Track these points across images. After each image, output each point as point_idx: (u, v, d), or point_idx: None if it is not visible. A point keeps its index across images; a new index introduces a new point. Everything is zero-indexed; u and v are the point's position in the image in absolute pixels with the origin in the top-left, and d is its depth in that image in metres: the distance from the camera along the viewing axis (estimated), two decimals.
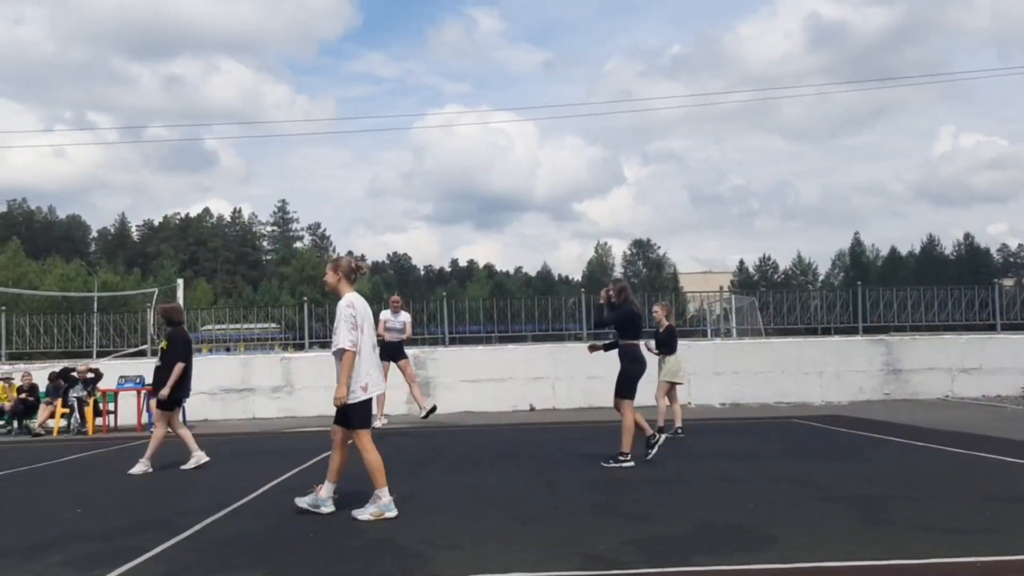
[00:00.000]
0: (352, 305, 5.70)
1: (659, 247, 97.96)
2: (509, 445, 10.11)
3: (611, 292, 8.32)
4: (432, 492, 6.69)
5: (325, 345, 18.25)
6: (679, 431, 10.24)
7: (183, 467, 8.56)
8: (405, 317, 12.80)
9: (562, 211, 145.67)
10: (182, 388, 8.69)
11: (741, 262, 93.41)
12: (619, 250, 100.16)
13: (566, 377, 15.77)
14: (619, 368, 8.08)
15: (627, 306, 8.17)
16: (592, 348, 8.86)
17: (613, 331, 8.48)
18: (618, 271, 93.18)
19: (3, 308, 18.31)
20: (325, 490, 5.88)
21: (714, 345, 16.77)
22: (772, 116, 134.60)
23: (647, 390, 9.13)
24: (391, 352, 12.14)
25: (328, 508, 5.80)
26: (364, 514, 5.58)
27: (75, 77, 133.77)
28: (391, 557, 4.49)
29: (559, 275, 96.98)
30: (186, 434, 8.87)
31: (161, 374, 8.60)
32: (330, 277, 5.94)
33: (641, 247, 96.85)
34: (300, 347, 17.65)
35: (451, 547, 4.67)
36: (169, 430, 8.68)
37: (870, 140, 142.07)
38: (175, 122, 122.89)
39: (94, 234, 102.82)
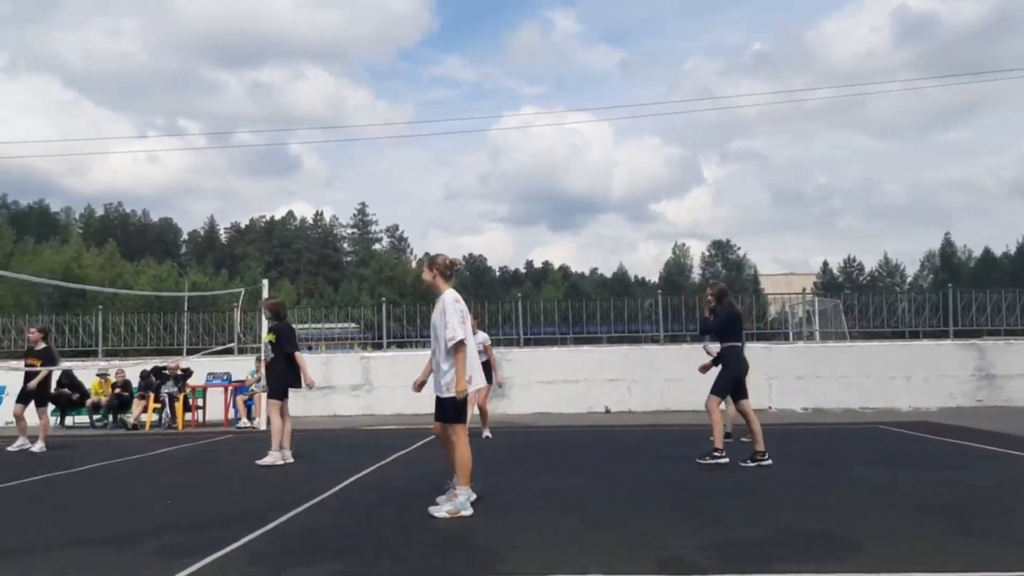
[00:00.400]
0: (459, 300, 5.83)
1: (739, 248, 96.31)
2: (585, 447, 10.08)
3: (711, 296, 8.33)
4: (508, 492, 6.72)
5: (403, 345, 18.55)
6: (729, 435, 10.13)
7: (257, 462, 8.73)
8: (483, 337, 11.18)
9: (639, 212, 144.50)
10: (293, 378, 8.93)
11: (825, 263, 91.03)
12: (697, 251, 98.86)
13: (642, 379, 15.63)
14: (720, 369, 8.18)
15: (728, 308, 8.27)
16: (704, 369, 8.85)
17: (711, 336, 8.51)
18: (696, 273, 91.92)
19: (100, 307, 19.18)
20: (461, 492, 5.81)
21: (796, 348, 16.38)
22: (858, 113, 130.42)
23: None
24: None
25: (468, 511, 5.66)
26: (440, 511, 5.62)
27: (167, 86, 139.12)
28: (466, 555, 4.53)
29: (635, 276, 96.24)
30: (279, 428, 8.98)
31: (273, 365, 8.95)
32: (426, 275, 6.06)
33: (720, 248, 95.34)
34: (378, 347, 17.96)
35: (527, 547, 4.68)
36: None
37: (963, 136, 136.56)
38: (261, 128, 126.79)
39: (185, 236, 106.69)
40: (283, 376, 8.89)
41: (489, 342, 11.30)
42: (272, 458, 8.68)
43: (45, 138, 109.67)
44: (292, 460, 8.76)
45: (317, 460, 9.23)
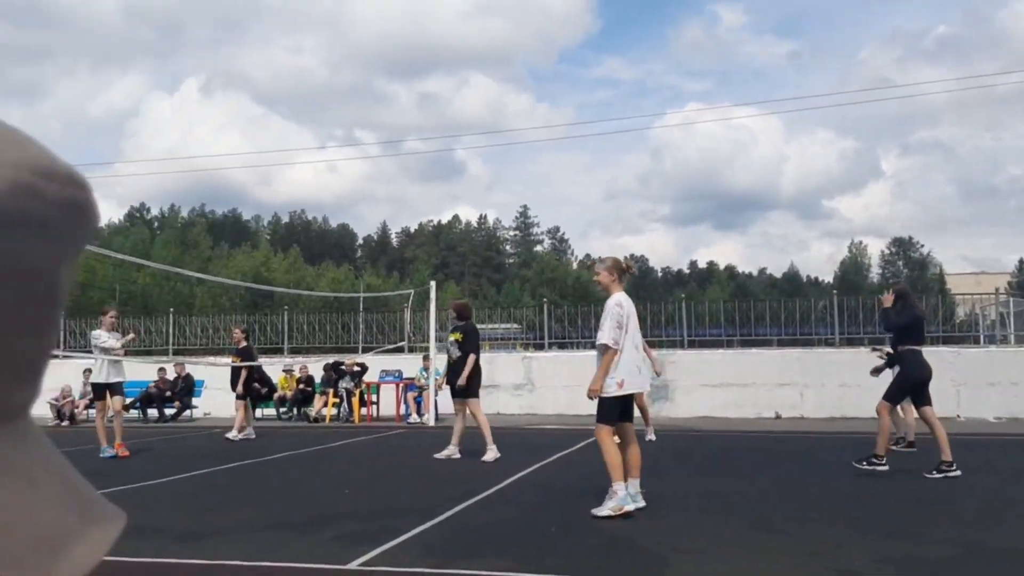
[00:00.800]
0: (620, 304, 5.88)
1: (922, 245, 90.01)
2: (754, 452, 9.77)
3: (891, 296, 7.96)
4: (674, 495, 6.62)
5: (564, 345, 18.67)
6: (900, 441, 9.44)
7: (436, 455, 9.10)
8: None
9: (811, 208, 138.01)
10: (478, 377, 9.28)
11: (1021, 261, 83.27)
12: (876, 249, 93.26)
13: (815, 384, 14.93)
14: (897, 372, 7.84)
15: (912, 310, 7.89)
16: (876, 372, 8.49)
17: (891, 338, 8.08)
18: (875, 272, 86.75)
19: (286, 307, 20.55)
20: (632, 486, 5.88)
21: (988, 353, 15.12)
22: None
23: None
24: None
25: (630, 506, 5.71)
26: (603, 511, 5.62)
27: (344, 98, 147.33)
28: (630, 557, 4.52)
29: (807, 276, 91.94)
30: (460, 427, 9.21)
31: (457, 365, 9.26)
32: (604, 277, 6.11)
33: (902, 246, 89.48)
34: (540, 347, 18.16)
35: (693, 552, 4.61)
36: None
37: None
38: (428, 135, 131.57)
39: (360, 241, 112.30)
40: (477, 375, 9.23)
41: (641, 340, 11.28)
42: (492, 453, 8.88)
43: (238, 151, 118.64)
44: (459, 456, 9.02)
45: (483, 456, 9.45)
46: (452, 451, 9.14)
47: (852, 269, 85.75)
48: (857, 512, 5.83)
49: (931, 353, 14.50)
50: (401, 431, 13.26)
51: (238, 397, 12.12)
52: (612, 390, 5.77)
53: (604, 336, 5.80)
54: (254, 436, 12.02)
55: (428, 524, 5.41)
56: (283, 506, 6.30)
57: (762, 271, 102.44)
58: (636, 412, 9.89)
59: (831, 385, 14.62)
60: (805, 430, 12.77)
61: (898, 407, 9.20)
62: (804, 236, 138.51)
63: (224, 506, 6.38)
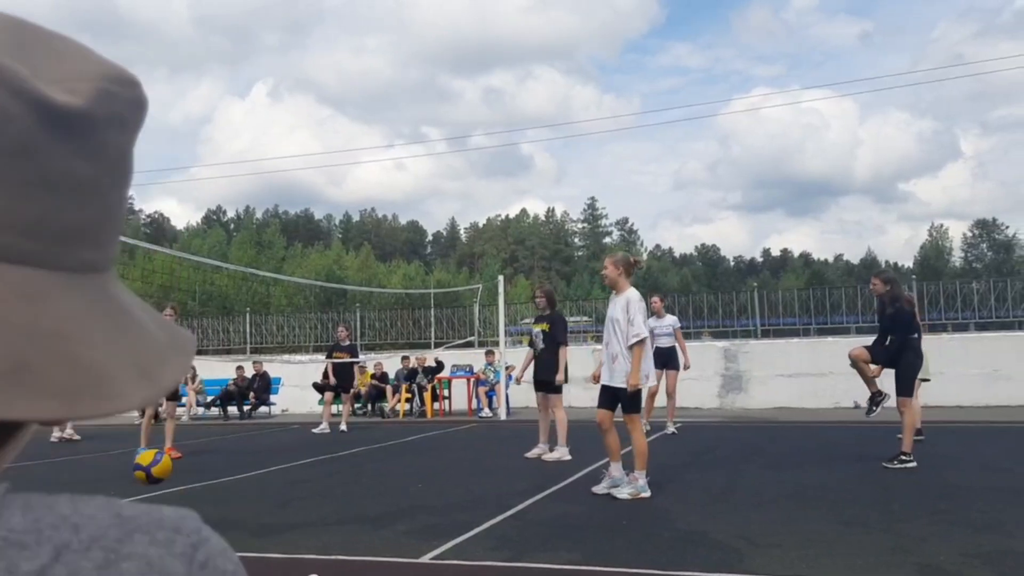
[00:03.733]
0: (641, 299, 6.19)
1: (1007, 227, 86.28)
2: (832, 444, 9.51)
3: (878, 286, 7.64)
4: (749, 488, 6.49)
5: None
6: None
7: (527, 455, 8.69)
8: (671, 320, 10.80)
9: (887, 192, 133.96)
10: (564, 372, 8.71)
11: None
12: (957, 232, 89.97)
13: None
14: (901, 364, 7.46)
15: (904, 299, 7.65)
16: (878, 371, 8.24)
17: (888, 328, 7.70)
18: (957, 256, 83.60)
19: (358, 305, 20.90)
20: (615, 470, 6.20)
21: None
22: None
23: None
24: (664, 359, 10.29)
25: (646, 492, 6.01)
26: (623, 493, 5.90)
27: (410, 96, 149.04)
28: (705, 550, 4.45)
29: (886, 261, 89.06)
30: (547, 424, 8.81)
31: (545, 356, 8.68)
32: (611, 271, 6.33)
33: (985, 228, 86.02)
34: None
35: (769, 546, 4.51)
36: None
37: None
38: (494, 130, 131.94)
39: (429, 237, 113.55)
40: (553, 367, 8.61)
41: (679, 325, 10.85)
42: (560, 453, 8.44)
43: (308, 152, 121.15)
44: (569, 456, 8.41)
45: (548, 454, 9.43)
46: (543, 449, 8.67)
47: (933, 253, 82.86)
48: (942, 504, 5.61)
49: (1018, 338, 13.97)
50: (473, 425, 13.35)
51: (346, 391, 12.94)
52: (643, 382, 6.12)
53: (642, 329, 6.05)
54: (328, 431, 12.28)
55: (499, 518, 5.43)
56: (357, 500, 6.40)
57: (838, 257, 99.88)
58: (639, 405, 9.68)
59: None
60: (884, 420, 12.36)
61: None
62: (880, 221, 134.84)
63: (299, 501, 6.52)
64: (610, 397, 6.27)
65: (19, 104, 0.36)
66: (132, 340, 0.40)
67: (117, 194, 0.42)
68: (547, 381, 8.75)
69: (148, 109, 0.43)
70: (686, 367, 10.61)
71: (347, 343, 13.01)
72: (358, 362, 13.44)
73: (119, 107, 0.40)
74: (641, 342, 6.03)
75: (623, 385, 6.07)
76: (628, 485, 5.97)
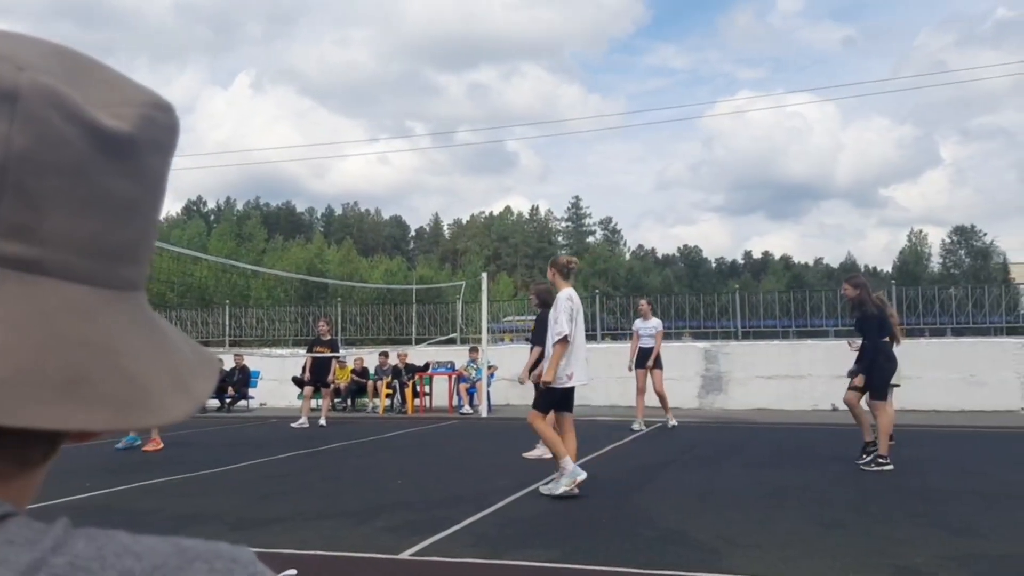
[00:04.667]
0: (571, 298, 6.24)
1: (984, 234, 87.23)
2: (811, 445, 9.58)
3: (850, 291, 7.73)
4: (728, 488, 6.53)
5: (617, 336, 18.55)
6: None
7: (526, 455, 8.40)
8: (656, 323, 11.39)
9: (867, 197, 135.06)
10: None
11: None
12: (936, 238, 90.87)
13: None
14: (872, 368, 7.60)
15: (874, 303, 7.67)
16: (852, 345, 8.46)
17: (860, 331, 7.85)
18: (936, 262, 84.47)
19: (339, 299, 20.82)
20: (567, 464, 6.18)
21: None
22: None
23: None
24: (642, 359, 11.13)
25: (582, 475, 6.00)
26: (559, 488, 5.89)
27: (394, 90, 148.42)
28: (684, 549, 4.47)
29: (865, 266, 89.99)
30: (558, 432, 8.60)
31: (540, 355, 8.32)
32: (549, 274, 6.61)
33: (964, 234, 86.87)
34: (592, 338, 18.05)
35: (748, 546, 4.53)
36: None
37: None
38: (479, 127, 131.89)
39: (412, 232, 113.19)
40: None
41: (661, 328, 11.46)
42: (541, 451, 8.14)
43: (291, 144, 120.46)
44: (550, 456, 7.94)
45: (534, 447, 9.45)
46: (543, 449, 8.18)
47: (912, 259, 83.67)
48: (919, 507, 5.67)
49: (994, 344, 14.13)
50: (454, 422, 13.33)
51: (325, 386, 12.92)
52: (563, 381, 6.13)
53: (564, 327, 6.12)
54: (307, 425, 12.23)
55: (480, 515, 5.42)
56: (337, 496, 6.38)
57: (818, 261, 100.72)
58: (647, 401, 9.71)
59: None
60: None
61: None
62: (860, 225, 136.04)
63: (279, 495, 6.48)
64: (540, 396, 6.39)
65: (74, 128, 0.38)
66: (168, 355, 0.42)
67: (155, 215, 0.44)
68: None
69: (179, 133, 0.45)
70: (648, 367, 11.07)
71: (327, 337, 12.93)
72: (338, 357, 13.37)
73: (158, 132, 0.42)
74: (561, 341, 6.13)
75: (559, 385, 6.19)
76: (563, 476, 5.97)
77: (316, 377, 12.76)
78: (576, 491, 5.96)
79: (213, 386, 0.45)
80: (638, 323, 11.43)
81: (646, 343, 11.08)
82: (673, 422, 11.10)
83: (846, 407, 8.00)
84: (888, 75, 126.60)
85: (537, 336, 8.52)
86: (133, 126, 0.40)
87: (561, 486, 5.92)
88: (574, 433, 6.42)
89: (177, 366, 0.42)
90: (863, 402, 7.75)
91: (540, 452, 8.37)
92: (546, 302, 8.65)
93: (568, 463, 5.99)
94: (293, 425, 12.27)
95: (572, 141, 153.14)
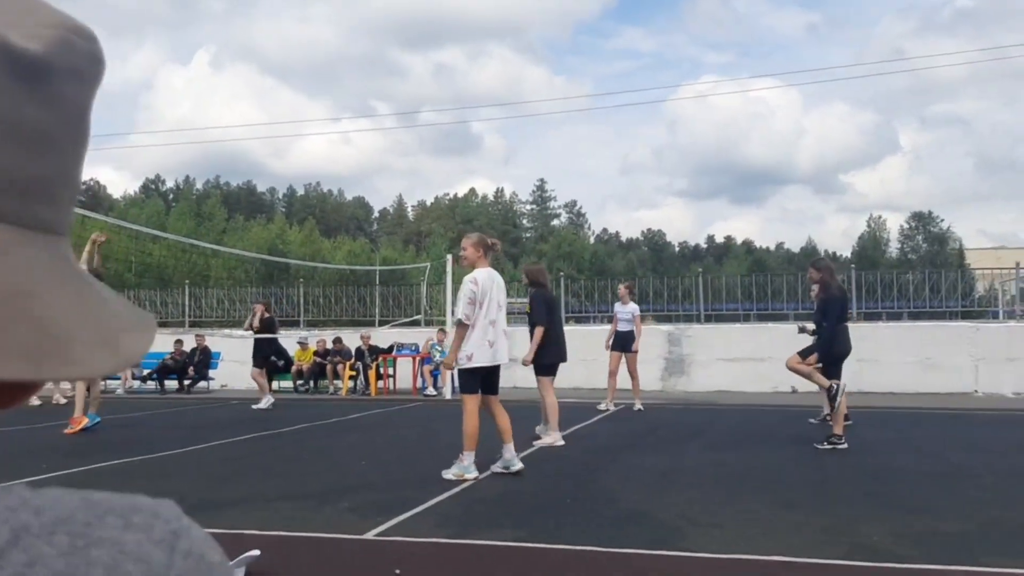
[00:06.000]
0: (475, 281, 6.21)
1: (942, 220, 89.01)
2: (771, 427, 9.73)
3: (815, 276, 7.87)
4: (690, 469, 6.61)
5: (581, 319, 18.65)
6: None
7: (536, 442, 8.12)
8: (633, 307, 11.24)
9: (827, 183, 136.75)
10: (551, 352, 8.27)
11: None
12: (894, 224, 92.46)
13: None
14: (831, 351, 7.84)
15: (839, 286, 7.98)
16: (802, 330, 8.81)
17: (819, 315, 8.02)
18: (894, 247, 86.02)
19: (301, 280, 20.62)
20: (507, 451, 6.30)
21: (1008, 328, 14.94)
22: None
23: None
24: (623, 343, 11.09)
25: (472, 474, 6.02)
26: (448, 473, 5.98)
27: (357, 69, 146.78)
28: (647, 529, 4.51)
29: (825, 250, 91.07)
30: (551, 405, 8.29)
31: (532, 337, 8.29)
32: (469, 252, 6.45)
33: (921, 220, 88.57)
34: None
35: (710, 525, 4.59)
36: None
37: None
38: (444, 107, 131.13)
39: (376, 214, 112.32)
40: (542, 350, 8.19)
41: (639, 312, 11.44)
42: (552, 438, 8.05)
43: (252, 122, 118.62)
44: (563, 442, 8.06)
45: (489, 430, 9.47)
46: (556, 437, 8.12)
47: (871, 244, 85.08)
48: (875, 487, 5.79)
49: (949, 328, 14.47)
50: (418, 404, 13.31)
51: (256, 366, 12.63)
52: (463, 363, 6.17)
53: (458, 312, 6.20)
54: (267, 406, 12.14)
55: (445, 495, 5.43)
56: (300, 477, 6.34)
57: (779, 245, 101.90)
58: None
59: (848, 360, 14.52)
60: (821, 404, 12.70)
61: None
62: (820, 210, 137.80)
63: (241, 476, 6.42)
64: (464, 378, 6.40)
65: None
66: (93, 307, 0.38)
67: (74, 153, 0.40)
68: (535, 362, 8.34)
69: (105, 67, 0.42)
70: (634, 351, 11.14)
71: (264, 316, 12.90)
72: (275, 337, 13.03)
73: (77, 59, 0.39)
74: (460, 323, 6.17)
75: (460, 367, 6.25)
76: (455, 465, 6.01)
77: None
78: (469, 479, 5.95)
79: (146, 346, 0.41)
80: (617, 307, 11.47)
81: (623, 327, 11.15)
82: (639, 406, 11.21)
83: (790, 370, 8.12)
84: (850, 62, 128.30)
85: (532, 316, 8.43)
86: (47, 49, 0.37)
87: (451, 472, 5.98)
88: (504, 413, 6.36)
89: (104, 319, 0.38)
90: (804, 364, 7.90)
91: (552, 439, 8.09)
92: (537, 281, 8.69)
93: (468, 457, 6.02)
94: (255, 407, 12.13)
95: (537, 123, 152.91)
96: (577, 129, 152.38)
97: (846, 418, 8.23)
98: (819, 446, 7.53)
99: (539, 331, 8.18)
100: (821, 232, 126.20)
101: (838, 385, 7.66)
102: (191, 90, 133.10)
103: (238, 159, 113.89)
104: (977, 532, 4.41)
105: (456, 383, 12.99)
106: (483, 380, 6.29)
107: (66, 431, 8.85)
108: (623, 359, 11.17)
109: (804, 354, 8.04)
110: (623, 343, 11.11)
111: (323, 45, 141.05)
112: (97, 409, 9.22)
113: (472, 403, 6.21)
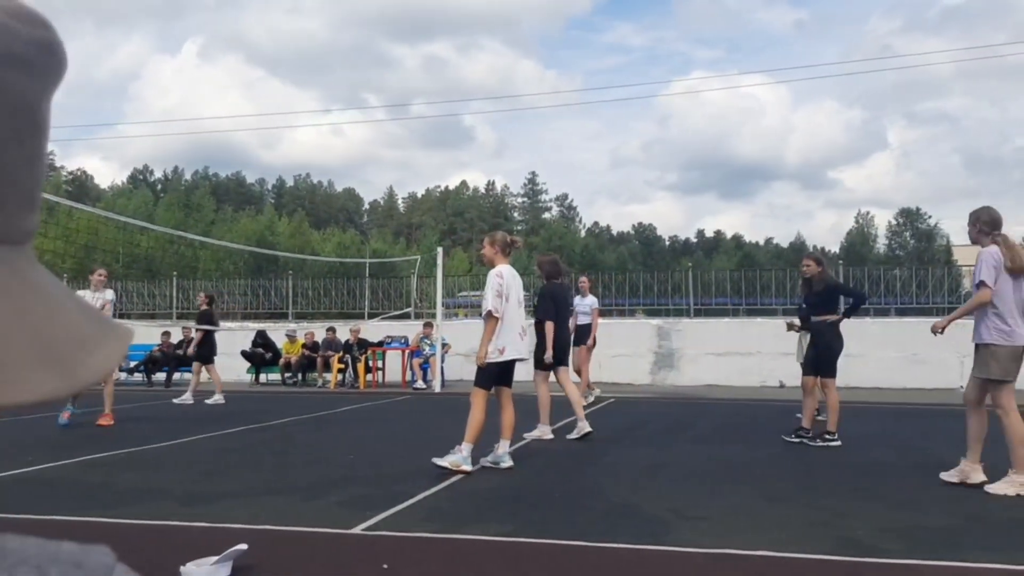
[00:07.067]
0: (500, 275, 6.23)
1: (929, 216, 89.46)
2: (759, 421, 9.78)
3: (809, 267, 7.89)
4: (679, 463, 6.63)
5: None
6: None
7: (525, 435, 8.04)
8: (591, 300, 11.02)
9: (815, 179, 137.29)
10: (555, 349, 8.13)
11: None
12: (882, 220, 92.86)
13: None
14: (820, 345, 7.78)
15: (830, 279, 7.95)
16: (790, 327, 8.80)
17: (805, 308, 8.08)
18: (882, 243, 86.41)
19: (290, 272, 20.55)
20: (501, 447, 6.32)
21: None
22: None
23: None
24: (579, 336, 10.55)
25: (467, 467, 5.97)
26: (444, 461, 5.95)
27: (347, 61, 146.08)
28: (635, 522, 4.53)
29: (814, 246, 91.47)
30: (544, 401, 8.25)
31: (537, 331, 8.16)
32: (487, 250, 6.49)
33: (909, 216, 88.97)
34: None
35: (697, 518, 4.61)
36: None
37: None
38: (435, 100, 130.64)
39: (366, 206, 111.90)
40: (540, 342, 8.08)
41: (597, 306, 11.21)
42: (541, 431, 8.06)
43: (241, 113, 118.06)
44: (551, 436, 8.10)
45: (489, 423, 9.47)
46: (545, 430, 8.17)
47: (859, 239, 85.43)
48: (861, 481, 5.83)
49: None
50: (407, 397, 13.31)
51: (206, 362, 12.32)
52: (495, 356, 6.16)
53: (487, 305, 6.16)
54: (192, 402, 12.00)
55: (433, 490, 5.43)
56: (288, 470, 6.33)
57: (768, 240, 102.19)
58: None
59: None
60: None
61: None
62: (807, 206, 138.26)
63: (229, 470, 6.41)
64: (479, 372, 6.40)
65: None
66: (36, 321, 0.34)
67: (18, 150, 0.35)
68: (536, 357, 8.14)
69: (64, 59, 0.38)
70: (590, 346, 10.84)
71: (203, 308, 12.55)
72: (208, 329, 12.46)
73: (20, 46, 0.35)
74: (488, 316, 6.14)
75: (490, 360, 6.23)
76: (452, 453, 5.99)
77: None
78: (463, 471, 5.90)
79: (110, 365, 0.37)
80: (576, 299, 11.02)
81: (582, 320, 10.75)
82: (590, 398, 11.03)
83: (801, 388, 8.07)
84: (838, 59, 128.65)
85: (541, 310, 8.25)
86: None
87: (446, 460, 5.96)
88: (512, 408, 6.41)
89: (49, 334, 0.34)
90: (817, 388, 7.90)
91: (541, 433, 8.11)
92: (551, 274, 8.41)
93: (467, 449, 5.99)
94: (208, 401, 11.90)
95: (529, 117, 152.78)
96: (568, 123, 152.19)
97: (817, 412, 8.26)
98: (809, 441, 7.56)
99: (550, 327, 8.08)
100: (809, 228, 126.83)
101: (808, 433, 7.69)
102: (180, 80, 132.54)
103: (227, 150, 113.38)
104: (962, 526, 4.45)
105: (445, 377, 12.96)
106: (503, 372, 6.31)
107: (98, 423, 8.93)
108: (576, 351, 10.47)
109: (815, 367, 7.85)
110: (580, 336, 10.55)
111: (313, 36, 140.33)
112: (78, 403, 9.16)
113: (483, 398, 6.20)
